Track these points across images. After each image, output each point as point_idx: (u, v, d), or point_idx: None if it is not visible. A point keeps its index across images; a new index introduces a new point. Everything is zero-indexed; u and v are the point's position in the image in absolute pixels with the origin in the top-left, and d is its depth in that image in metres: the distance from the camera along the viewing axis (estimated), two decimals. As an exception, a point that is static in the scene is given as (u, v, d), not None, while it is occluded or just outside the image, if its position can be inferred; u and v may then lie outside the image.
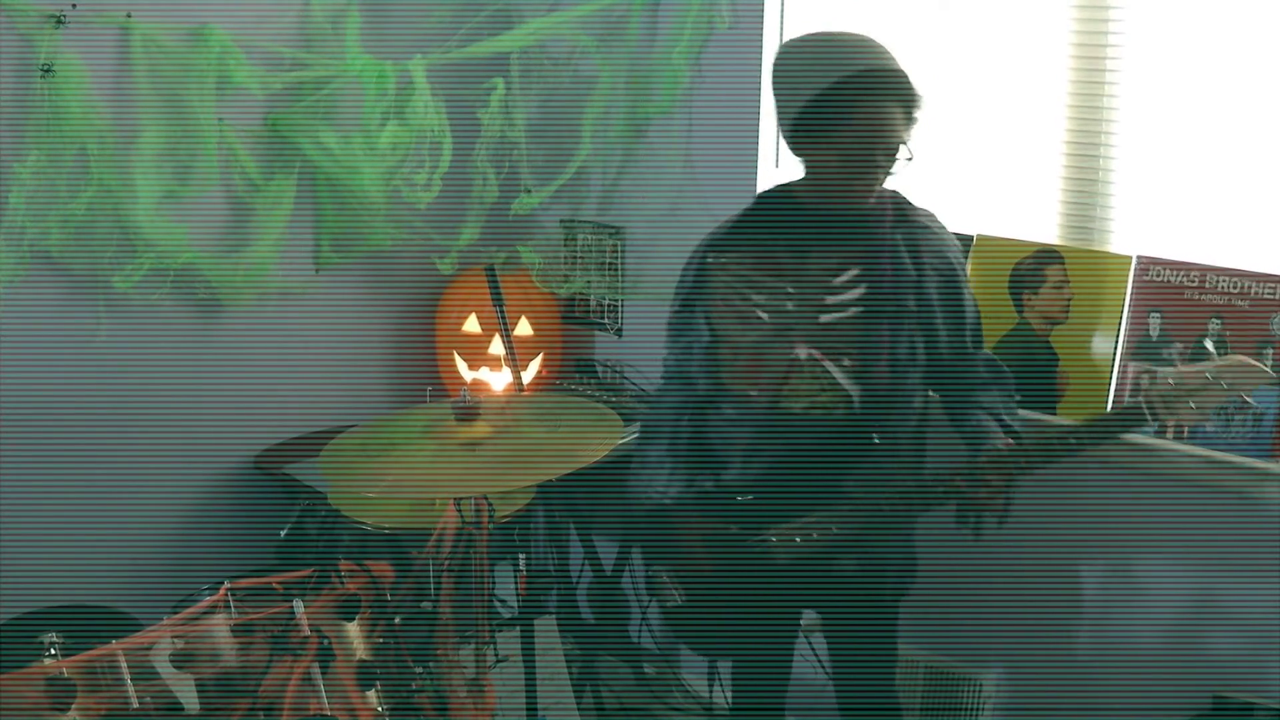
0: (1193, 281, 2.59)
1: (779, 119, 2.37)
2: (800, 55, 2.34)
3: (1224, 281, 2.56)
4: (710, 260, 2.49)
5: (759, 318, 2.41)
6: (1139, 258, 2.66)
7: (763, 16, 3.07)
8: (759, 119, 3.13)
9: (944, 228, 2.46)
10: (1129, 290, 2.67)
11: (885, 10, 2.94)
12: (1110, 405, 2.64)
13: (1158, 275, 2.63)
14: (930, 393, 2.49)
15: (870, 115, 2.25)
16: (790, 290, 2.39)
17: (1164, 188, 2.68)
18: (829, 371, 2.36)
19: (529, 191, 3.37)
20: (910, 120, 2.30)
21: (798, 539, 2.36)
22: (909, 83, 2.29)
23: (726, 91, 3.18)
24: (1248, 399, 2.22)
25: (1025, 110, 2.81)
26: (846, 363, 2.35)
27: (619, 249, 3.49)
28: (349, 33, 3.14)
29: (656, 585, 2.54)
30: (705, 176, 3.26)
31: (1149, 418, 2.20)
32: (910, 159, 2.32)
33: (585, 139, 3.32)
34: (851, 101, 2.24)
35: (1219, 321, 2.56)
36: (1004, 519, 2.32)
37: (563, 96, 3.39)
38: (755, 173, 3.16)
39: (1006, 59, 2.82)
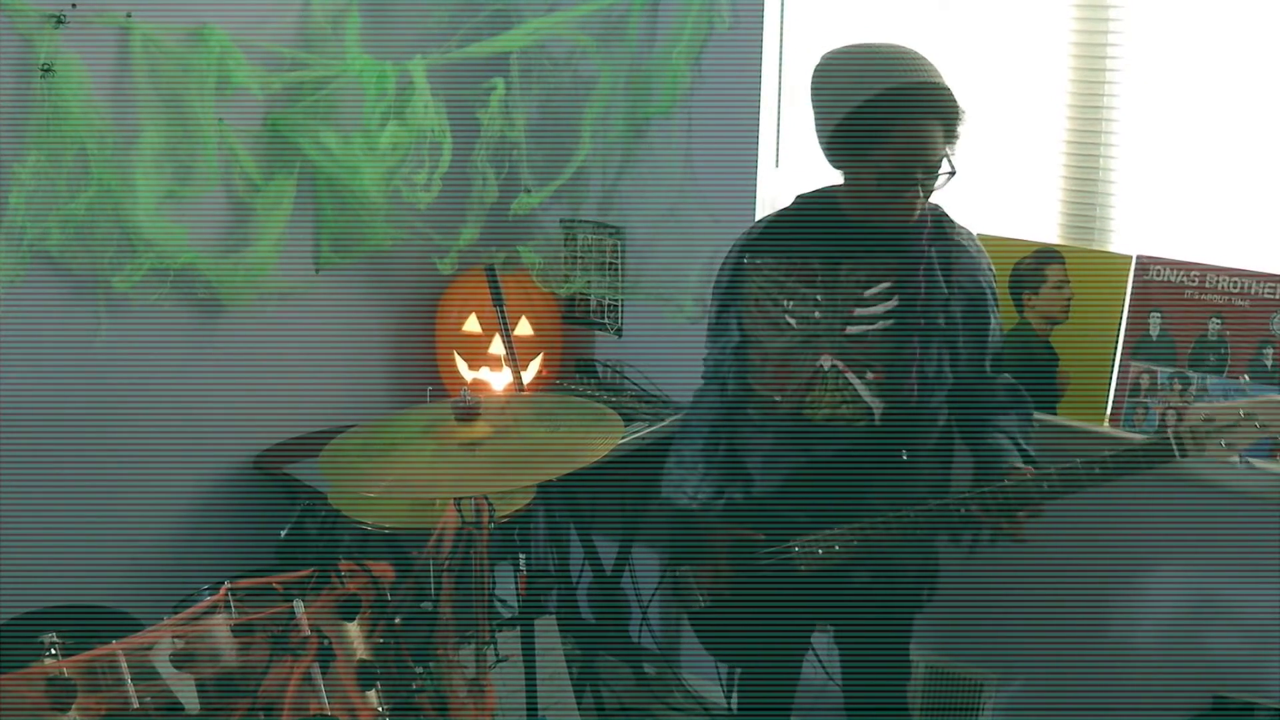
0: (1193, 281, 2.59)
1: (817, 131, 2.32)
2: (839, 68, 2.28)
3: (1224, 281, 2.56)
4: (746, 261, 2.45)
5: (787, 323, 2.38)
6: (1139, 257, 2.66)
7: (763, 16, 3.07)
8: (759, 119, 3.13)
9: (981, 250, 2.42)
10: (1129, 290, 2.67)
11: (885, 10, 2.94)
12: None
13: (1158, 275, 2.63)
14: (949, 419, 2.46)
15: (909, 132, 2.20)
16: (820, 298, 2.36)
17: (1164, 188, 2.68)
18: (851, 383, 2.33)
19: (529, 191, 3.37)
20: (952, 136, 2.25)
21: (819, 550, 2.36)
22: (950, 97, 2.23)
23: (726, 91, 3.17)
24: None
25: (1025, 110, 2.81)
26: (869, 376, 2.32)
27: (619, 249, 3.49)
28: (349, 33, 3.14)
29: (681, 587, 2.54)
30: (705, 176, 3.26)
31: (1177, 453, 2.14)
32: (953, 174, 2.26)
33: (585, 139, 3.32)
34: (889, 118, 2.19)
35: (1219, 321, 2.56)
36: (1020, 544, 2.28)
37: (563, 97, 3.39)
38: (755, 173, 3.16)
39: (1006, 59, 2.82)
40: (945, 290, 2.33)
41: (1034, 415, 2.46)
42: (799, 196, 2.49)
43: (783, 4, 3.09)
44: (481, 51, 3.23)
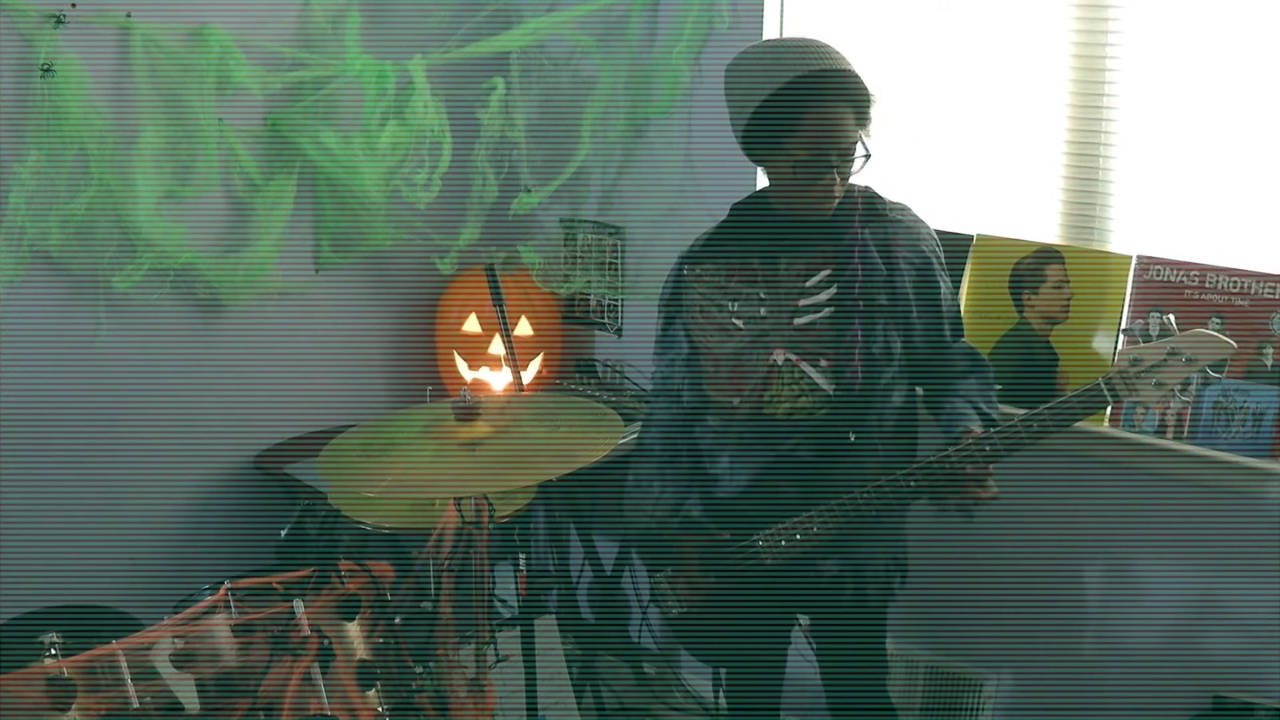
0: (1193, 281, 2.59)
1: (733, 129, 2.36)
2: (746, 64, 2.33)
3: (1224, 281, 2.56)
4: (686, 272, 2.48)
5: (735, 325, 2.40)
6: (1139, 257, 2.66)
7: (763, 17, 3.07)
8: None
9: (918, 219, 2.44)
10: (1129, 290, 2.67)
11: (885, 10, 2.95)
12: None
13: (1158, 274, 2.64)
14: (918, 389, 2.48)
15: (818, 117, 2.24)
16: (763, 295, 2.38)
17: (1164, 188, 2.68)
18: (806, 374, 2.35)
19: (529, 191, 3.37)
20: (863, 119, 2.28)
21: (783, 541, 2.36)
22: (858, 82, 2.27)
23: (726, 91, 3.17)
24: (1212, 373, 2.17)
25: (1025, 110, 2.81)
26: (823, 364, 2.34)
27: (619, 249, 3.49)
28: (349, 33, 3.14)
29: (659, 595, 2.54)
30: (705, 176, 3.26)
31: (1109, 398, 2.17)
32: (868, 157, 2.29)
33: (585, 139, 3.32)
34: (798, 104, 2.23)
35: (1219, 321, 2.56)
36: (974, 512, 2.29)
37: (563, 96, 3.39)
38: (755, 172, 3.16)
39: (1007, 59, 2.82)
40: (884, 267, 2.34)
41: (993, 379, 2.45)
42: (733, 206, 2.53)
43: (782, 4, 3.09)
44: (481, 51, 3.23)
